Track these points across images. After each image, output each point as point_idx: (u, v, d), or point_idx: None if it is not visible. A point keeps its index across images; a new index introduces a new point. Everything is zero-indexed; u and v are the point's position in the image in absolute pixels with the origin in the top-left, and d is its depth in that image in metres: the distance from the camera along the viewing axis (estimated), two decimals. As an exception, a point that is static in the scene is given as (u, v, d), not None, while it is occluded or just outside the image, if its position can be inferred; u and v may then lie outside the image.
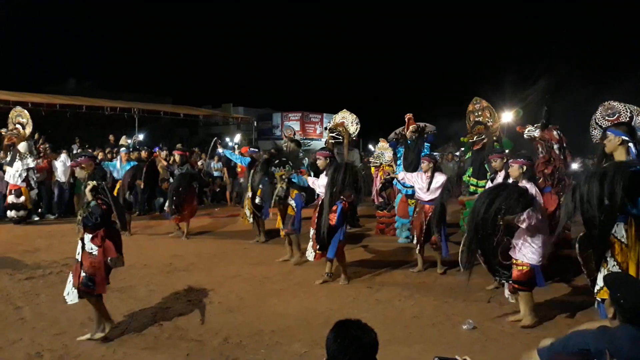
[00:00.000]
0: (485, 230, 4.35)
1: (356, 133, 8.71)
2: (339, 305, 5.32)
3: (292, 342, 4.31)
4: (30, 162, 10.08)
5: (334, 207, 5.91)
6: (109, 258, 4.26)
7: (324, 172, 6.16)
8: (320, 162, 6.24)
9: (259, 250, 8.12)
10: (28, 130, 10.30)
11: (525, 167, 4.72)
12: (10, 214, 10.00)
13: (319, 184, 6.25)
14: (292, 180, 7.03)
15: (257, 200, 8.34)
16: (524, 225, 4.41)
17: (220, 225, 10.55)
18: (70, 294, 4.29)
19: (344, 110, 8.83)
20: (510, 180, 4.89)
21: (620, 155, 3.99)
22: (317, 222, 6.02)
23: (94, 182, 4.24)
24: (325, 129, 9.02)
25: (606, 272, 3.66)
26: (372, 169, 9.31)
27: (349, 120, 8.65)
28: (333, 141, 8.43)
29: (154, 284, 6.00)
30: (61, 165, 11.28)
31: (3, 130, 10.35)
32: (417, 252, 6.63)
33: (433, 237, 6.49)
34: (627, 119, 5.72)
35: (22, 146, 10.08)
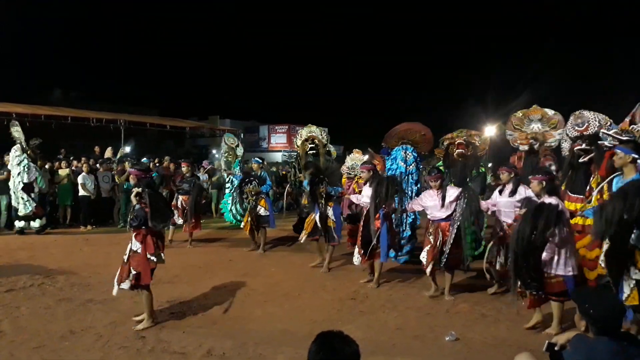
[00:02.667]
0: (529, 252, 4.48)
1: (327, 143, 9.10)
2: (323, 316, 5.33)
3: (276, 354, 4.30)
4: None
5: (377, 215, 6.36)
6: (148, 254, 4.83)
7: (367, 184, 6.64)
8: (364, 175, 6.74)
9: (244, 262, 8.09)
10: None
11: (544, 182, 4.79)
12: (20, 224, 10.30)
13: (364, 194, 6.66)
14: (330, 194, 7.44)
15: (261, 212, 8.55)
16: (555, 240, 4.53)
17: (205, 237, 10.49)
18: (115, 288, 4.93)
19: (309, 125, 9.28)
20: (528, 194, 5.11)
21: (630, 172, 4.38)
22: (363, 231, 6.54)
23: (138, 189, 4.88)
24: (304, 139, 9.29)
25: (630, 281, 3.95)
26: (344, 179, 9.33)
27: (318, 133, 9.07)
28: (311, 152, 8.78)
29: (137, 296, 5.93)
30: (47, 176, 11.18)
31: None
32: (428, 274, 6.02)
33: (456, 260, 5.93)
34: (596, 128, 5.83)
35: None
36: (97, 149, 14.17)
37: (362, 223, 6.63)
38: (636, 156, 4.39)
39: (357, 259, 6.64)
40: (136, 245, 4.86)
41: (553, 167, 6.72)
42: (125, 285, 4.86)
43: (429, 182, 6.21)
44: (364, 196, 6.65)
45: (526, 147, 7.17)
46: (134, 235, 4.89)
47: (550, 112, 7.42)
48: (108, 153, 13.22)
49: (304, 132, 9.28)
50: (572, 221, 4.99)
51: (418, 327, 5.01)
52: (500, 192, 5.96)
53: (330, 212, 7.43)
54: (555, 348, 2.80)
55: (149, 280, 4.90)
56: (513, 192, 5.71)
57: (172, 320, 5.15)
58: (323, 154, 8.53)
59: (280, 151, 31.88)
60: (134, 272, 4.81)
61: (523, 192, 5.51)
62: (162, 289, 6.26)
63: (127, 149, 16.98)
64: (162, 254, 5.03)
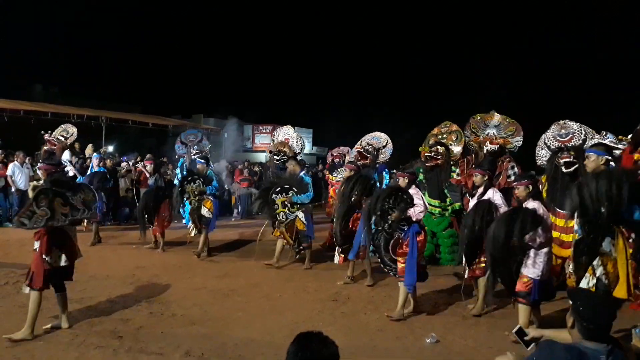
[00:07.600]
0: (505, 255, 4.50)
1: (302, 150, 9.04)
2: (304, 318, 5.29)
3: (255, 355, 4.27)
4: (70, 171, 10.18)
5: (356, 215, 6.48)
6: (43, 255, 4.50)
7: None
8: (347, 174, 6.85)
9: (224, 262, 8.02)
10: (71, 140, 10.93)
11: (531, 187, 4.77)
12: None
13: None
14: (295, 201, 7.46)
15: (204, 213, 8.23)
16: (535, 245, 4.52)
17: (185, 237, 10.37)
18: (24, 287, 4.64)
19: (288, 125, 9.25)
20: (496, 198, 5.17)
21: None
22: (335, 229, 6.68)
23: (35, 183, 4.75)
24: (270, 152, 9.12)
25: (591, 279, 3.99)
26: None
27: (293, 139, 9.01)
28: (279, 162, 8.65)
29: (115, 295, 5.85)
30: (25, 172, 10.98)
31: (46, 135, 10.71)
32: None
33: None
34: (580, 141, 5.79)
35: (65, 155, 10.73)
36: (77, 145, 13.93)
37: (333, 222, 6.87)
38: (609, 157, 4.37)
39: (336, 257, 6.75)
40: (35, 244, 4.59)
41: (515, 170, 6.83)
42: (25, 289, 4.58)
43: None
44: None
45: (495, 148, 7.18)
46: (34, 233, 4.58)
47: (506, 120, 7.62)
48: (89, 150, 13.02)
49: (280, 136, 9.22)
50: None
51: (399, 329, 5.01)
52: (472, 195, 5.73)
53: (301, 215, 7.48)
54: (525, 338, 2.82)
55: (41, 284, 4.50)
56: (482, 195, 5.43)
57: (150, 320, 5.08)
58: (293, 162, 8.09)
59: (264, 151, 31.75)
60: (31, 271, 4.55)
61: (491, 194, 5.34)
62: (141, 288, 6.19)
63: (111, 149, 16.79)
64: (62, 256, 4.65)
